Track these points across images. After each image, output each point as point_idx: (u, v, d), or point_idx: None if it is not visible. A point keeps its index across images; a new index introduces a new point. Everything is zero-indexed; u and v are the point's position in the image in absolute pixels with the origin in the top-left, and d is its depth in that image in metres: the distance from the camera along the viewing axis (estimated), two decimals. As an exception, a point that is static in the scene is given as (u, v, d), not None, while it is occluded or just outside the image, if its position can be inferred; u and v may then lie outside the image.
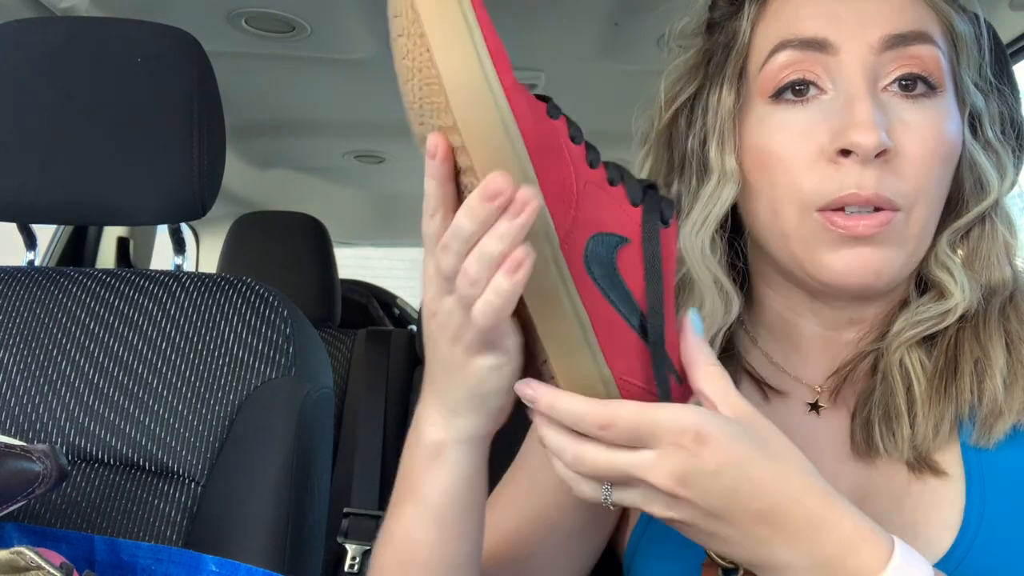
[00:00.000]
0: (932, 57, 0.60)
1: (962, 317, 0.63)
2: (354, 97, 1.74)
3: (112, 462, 0.89)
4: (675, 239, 0.51)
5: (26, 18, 1.00)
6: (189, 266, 1.04)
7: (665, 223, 0.50)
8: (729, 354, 0.69)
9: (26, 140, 0.91)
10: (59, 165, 0.90)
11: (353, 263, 4.76)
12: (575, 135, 0.48)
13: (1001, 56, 0.71)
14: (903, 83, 0.60)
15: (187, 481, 0.88)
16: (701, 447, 0.47)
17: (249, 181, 2.28)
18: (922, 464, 0.61)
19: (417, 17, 0.45)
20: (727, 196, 0.64)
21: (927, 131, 0.59)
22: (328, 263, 1.98)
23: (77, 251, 1.83)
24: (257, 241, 1.94)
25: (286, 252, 1.94)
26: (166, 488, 0.88)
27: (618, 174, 0.50)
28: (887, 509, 0.61)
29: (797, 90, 0.61)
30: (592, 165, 0.49)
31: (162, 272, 0.98)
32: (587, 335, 0.48)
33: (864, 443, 0.63)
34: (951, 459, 0.61)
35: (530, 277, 0.46)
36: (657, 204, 0.50)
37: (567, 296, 0.48)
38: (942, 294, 0.63)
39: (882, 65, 0.60)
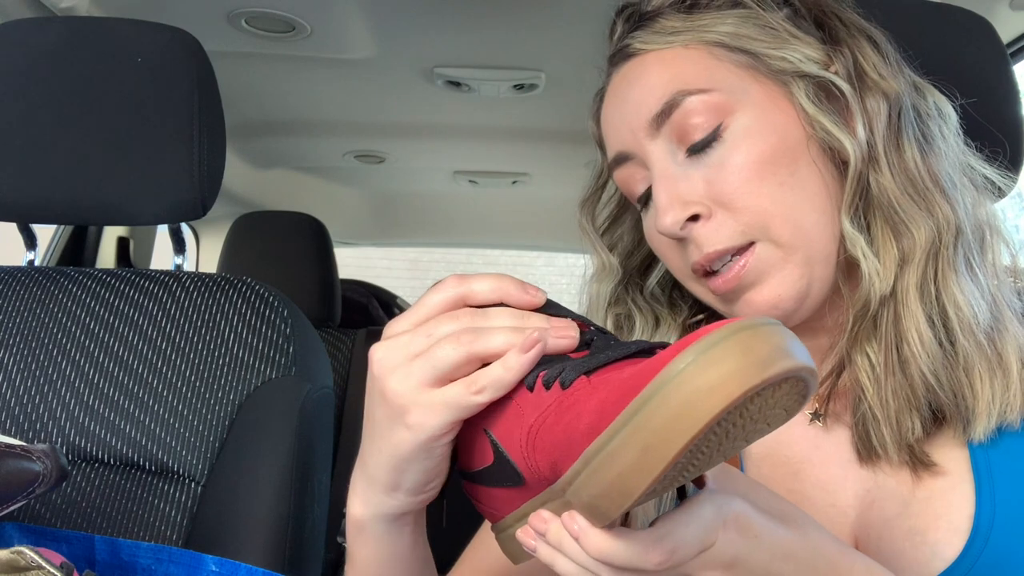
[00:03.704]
0: (695, 109, 0.61)
1: (891, 294, 0.60)
2: (354, 97, 1.74)
3: (112, 462, 0.89)
4: None
5: (26, 18, 1.00)
6: (189, 266, 1.04)
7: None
8: None
9: (26, 140, 0.91)
10: (59, 165, 0.90)
11: (353, 263, 4.75)
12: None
13: None
14: (689, 150, 0.62)
15: (187, 481, 0.88)
16: (742, 530, 0.46)
17: (249, 181, 2.27)
18: (917, 463, 0.61)
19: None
20: (605, 291, 0.72)
21: (730, 167, 0.60)
22: (328, 263, 1.98)
23: (77, 251, 1.82)
24: (257, 241, 1.94)
25: (286, 252, 1.94)
26: (166, 488, 0.88)
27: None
28: (894, 513, 0.61)
29: (641, 200, 0.67)
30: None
31: (162, 272, 0.98)
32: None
33: (864, 450, 0.62)
34: (955, 460, 0.61)
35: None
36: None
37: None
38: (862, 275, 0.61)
39: (667, 139, 0.63)
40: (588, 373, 0.45)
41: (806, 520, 0.51)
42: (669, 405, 0.37)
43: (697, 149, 0.61)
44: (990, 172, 0.65)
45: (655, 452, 0.38)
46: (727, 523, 0.46)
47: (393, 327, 0.50)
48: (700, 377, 0.37)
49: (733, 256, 0.61)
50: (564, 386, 0.45)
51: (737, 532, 0.46)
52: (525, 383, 0.47)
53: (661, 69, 0.63)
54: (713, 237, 0.61)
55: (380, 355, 0.49)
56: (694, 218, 0.61)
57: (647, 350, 0.45)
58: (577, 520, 0.43)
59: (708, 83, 0.61)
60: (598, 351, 0.47)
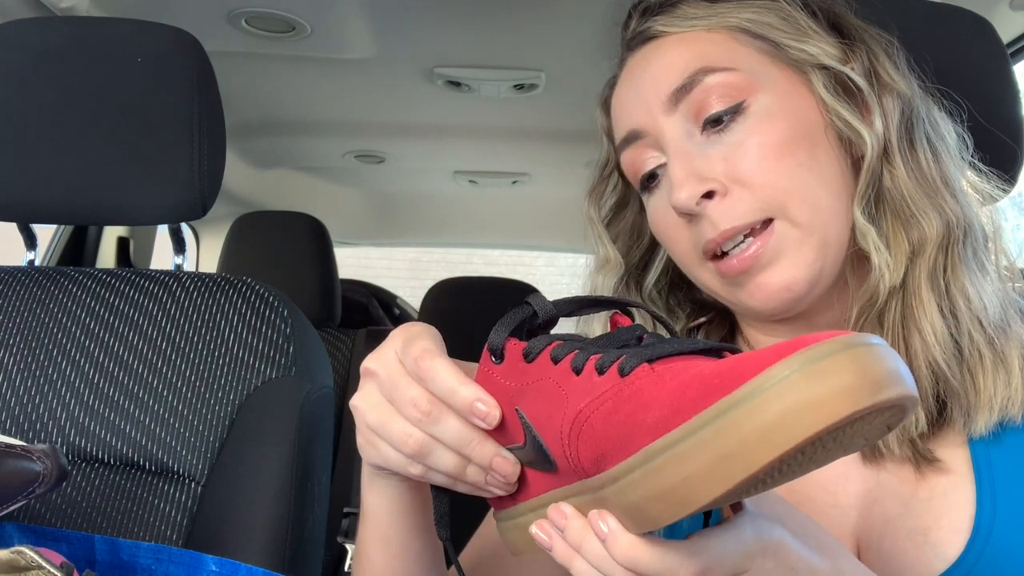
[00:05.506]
0: (718, 85, 0.61)
1: (900, 286, 0.60)
2: (354, 97, 1.74)
3: (112, 462, 0.89)
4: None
5: (26, 18, 1.00)
6: (189, 266, 1.04)
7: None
8: None
9: (26, 140, 0.91)
10: (59, 165, 0.90)
11: (353, 263, 4.75)
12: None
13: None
14: (708, 123, 0.62)
15: (187, 481, 0.88)
16: (780, 561, 0.45)
17: (249, 181, 2.28)
18: (920, 459, 0.61)
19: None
20: (608, 285, 0.71)
21: (749, 146, 0.60)
22: (328, 263, 1.98)
23: (77, 251, 1.82)
24: (257, 241, 1.94)
25: (286, 252, 1.94)
26: (166, 488, 0.88)
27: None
28: (897, 512, 0.61)
29: (650, 180, 0.66)
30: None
31: (162, 272, 0.98)
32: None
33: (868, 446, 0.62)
34: (957, 459, 0.61)
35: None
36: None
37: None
38: (872, 267, 0.61)
39: (684, 117, 0.63)
40: (651, 361, 0.41)
41: (839, 551, 0.50)
42: (765, 413, 0.34)
43: (716, 126, 0.61)
44: (987, 186, 0.66)
45: (736, 462, 0.34)
46: (766, 550, 0.44)
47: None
48: (806, 389, 0.34)
49: (746, 237, 0.61)
50: (623, 373, 0.41)
51: (775, 562, 0.45)
52: (572, 366, 0.43)
53: (683, 48, 0.63)
54: (729, 214, 0.60)
55: (358, 402, 0.52)
56: (709, 195, 0.61)
57: (714, 350, 0.42)
58: (607, 520, 0.41)
59: (731, 63, 0.62)
60: (654, 343, 0.43)
